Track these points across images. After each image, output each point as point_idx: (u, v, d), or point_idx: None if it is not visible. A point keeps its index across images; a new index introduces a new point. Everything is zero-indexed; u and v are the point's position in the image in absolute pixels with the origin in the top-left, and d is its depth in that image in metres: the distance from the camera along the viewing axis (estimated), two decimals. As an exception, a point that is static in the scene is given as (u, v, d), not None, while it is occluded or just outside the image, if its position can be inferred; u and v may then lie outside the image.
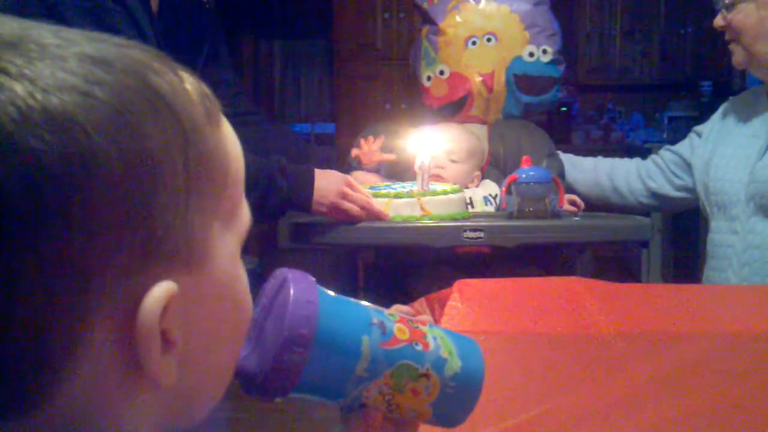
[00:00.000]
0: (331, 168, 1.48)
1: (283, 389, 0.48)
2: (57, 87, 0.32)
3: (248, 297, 0.43)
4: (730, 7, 1.51)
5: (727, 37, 1.54)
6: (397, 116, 4.13)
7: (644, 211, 1.84)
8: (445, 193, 1.47)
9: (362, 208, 1.41)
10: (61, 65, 0.33)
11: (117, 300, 0.33)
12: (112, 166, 0.32)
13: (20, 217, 0.30)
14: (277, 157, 1.39)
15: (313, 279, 0.51)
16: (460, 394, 0.54)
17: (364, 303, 0.54)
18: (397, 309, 0.57)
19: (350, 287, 1.69)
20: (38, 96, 0.31)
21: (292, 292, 0.48)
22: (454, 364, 0.53)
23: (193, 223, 0.36)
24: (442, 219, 1.44)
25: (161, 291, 0.34)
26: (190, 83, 0.38)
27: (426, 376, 0.52)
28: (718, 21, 1.54)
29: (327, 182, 1.40)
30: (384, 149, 1.69)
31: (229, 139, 0.40)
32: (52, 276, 0.31)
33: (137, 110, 0.34)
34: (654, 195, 1.77)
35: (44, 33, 0.34)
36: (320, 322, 0.48)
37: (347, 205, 1.40)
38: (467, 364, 0.54)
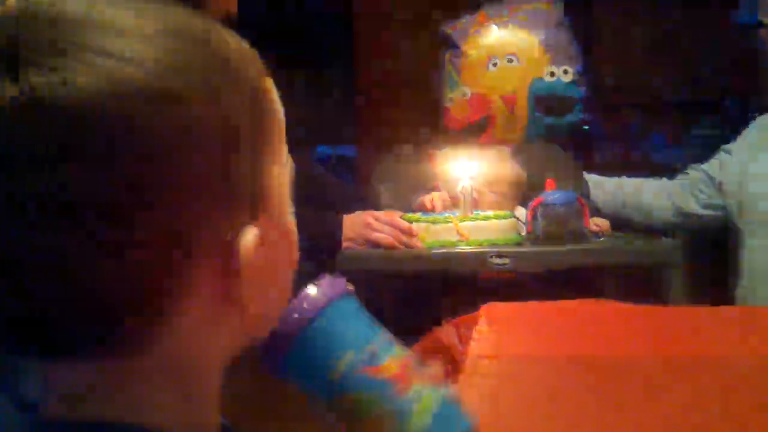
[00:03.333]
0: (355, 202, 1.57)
1: (274, 361, 0.51)
2: (141, 59, 0.35)
3: (296, 232, 0.47)
4: None
5: None
6: (417, 140, 4.14)
7: (668, 230, 1.82)
8: (486, 218, 1.46)
9: (389, 233, 1.45)
10: (140, 38, 0.36)
11: (213, 245, 0.38)
12: (204, 129, 0.36)
13: (138, 180, 0.34)
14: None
15: (349, 287, 0.53)
16: None
17: (382, 332, 0.53)
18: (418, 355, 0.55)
19: (373, 307, 1.68)
20: (127, 69, 0.34)
21: (316, 285, 0.51)
22: (419, 422, 0.51)
23: (262, 172, 0.41)
24: (480, 244, 1.43)
25: (253, 232, 0.39)
26: (243, 44, 0.42)
27: (380, 417, 0.51)
28: None
29: (352, 222, 1.47)
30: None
31: (274, 90, 0.44)
32: (165, 229, 0.35)
33: (215, 75, 0.38)
34: (682, 213, 1.76)
35: (112, 8, 0.36)
36: (319, 319, 0.50)
37: (375, 235, 1.45)
38: (438, 429, 0.52)
